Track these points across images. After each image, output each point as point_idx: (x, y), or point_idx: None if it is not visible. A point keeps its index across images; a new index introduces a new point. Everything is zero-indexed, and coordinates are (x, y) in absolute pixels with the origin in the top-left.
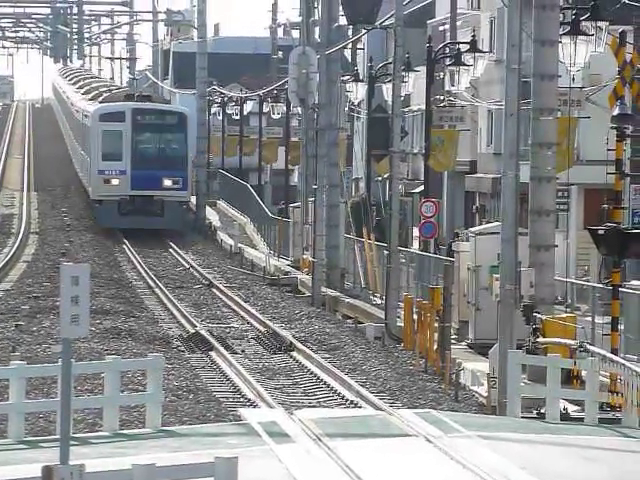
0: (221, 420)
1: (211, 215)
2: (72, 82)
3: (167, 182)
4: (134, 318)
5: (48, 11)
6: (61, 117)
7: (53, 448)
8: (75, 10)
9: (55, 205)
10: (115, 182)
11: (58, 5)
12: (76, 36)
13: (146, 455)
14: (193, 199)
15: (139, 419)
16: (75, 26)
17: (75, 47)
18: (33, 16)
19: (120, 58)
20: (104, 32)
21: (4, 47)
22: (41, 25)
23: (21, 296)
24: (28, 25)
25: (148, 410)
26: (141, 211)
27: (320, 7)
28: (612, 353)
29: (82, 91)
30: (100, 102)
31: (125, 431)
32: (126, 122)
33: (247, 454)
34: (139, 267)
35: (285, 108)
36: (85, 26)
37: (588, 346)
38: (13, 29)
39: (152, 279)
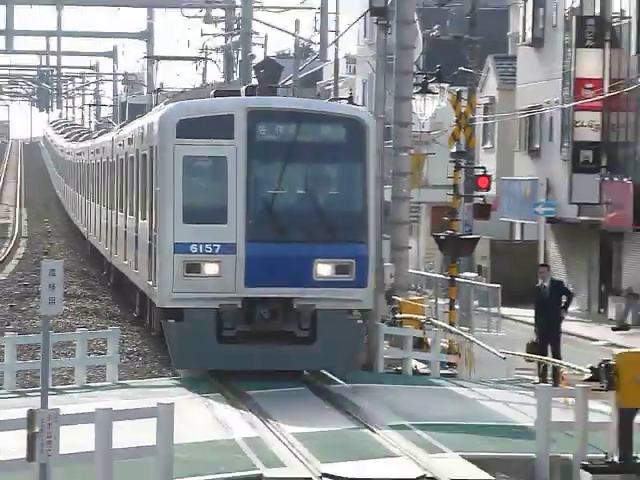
0: (163, 376)
1: None
2: (71, 138)
3: (324, 269)
4: (98, 301)
5: (35, 73)
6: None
7: (36, 396)
8: (55, 72)
9: (39, 216)
10: (211, 270)
11: (43, 69)
12: (56, 91)
13: (106, 402)
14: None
15: (101, 375)
16: (55, 84)
17: (55, 99)
18: (24, 77)
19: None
20: (77, 89)
21: (2, 99)
22: (30, 83)
23: (14, 284)
24: (20, 83)
25: (108, 368)
26: (266, 333)
27: (238, 72)
28: (450, 325)
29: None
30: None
31: (91, 384)
32: (236, 139)
33: (182, 401)
34: None
35: None
36: (62, 84)
37: (433, 320)
38: (9, 86)
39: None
